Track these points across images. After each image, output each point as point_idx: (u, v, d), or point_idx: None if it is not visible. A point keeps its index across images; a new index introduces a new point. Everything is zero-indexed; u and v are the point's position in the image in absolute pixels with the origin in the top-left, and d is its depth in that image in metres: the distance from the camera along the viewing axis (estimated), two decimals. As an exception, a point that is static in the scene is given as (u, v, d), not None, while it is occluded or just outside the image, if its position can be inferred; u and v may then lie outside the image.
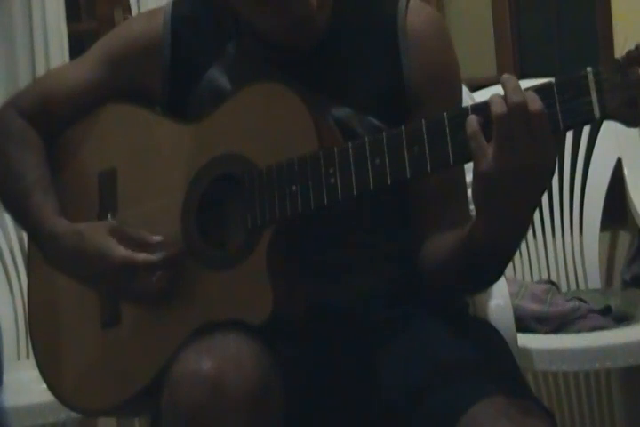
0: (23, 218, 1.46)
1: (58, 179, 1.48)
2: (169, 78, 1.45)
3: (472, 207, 1.24)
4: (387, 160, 1.18)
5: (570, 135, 2.59)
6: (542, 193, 1.17)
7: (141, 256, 1.33)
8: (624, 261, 2.69)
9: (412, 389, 1.27)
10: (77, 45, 2.95)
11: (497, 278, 1.32)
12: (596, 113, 1.06)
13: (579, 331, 2.28)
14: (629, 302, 2.40)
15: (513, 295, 2.21)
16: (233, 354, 1.17)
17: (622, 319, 2.33)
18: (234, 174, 1.32)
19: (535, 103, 1.09)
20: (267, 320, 1.22)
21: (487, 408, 1.18)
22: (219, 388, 1.14)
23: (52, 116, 1.52)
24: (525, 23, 3.22)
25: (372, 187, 1.20)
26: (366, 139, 1.21)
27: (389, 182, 1.19)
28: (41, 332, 1.51)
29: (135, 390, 1.34)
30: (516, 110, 1.09)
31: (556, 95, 1.09)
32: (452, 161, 1.15)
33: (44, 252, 1.43)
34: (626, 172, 2.58)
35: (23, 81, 2.76)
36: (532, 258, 2.64)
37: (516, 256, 2.60)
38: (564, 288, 2.59)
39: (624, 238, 2.80)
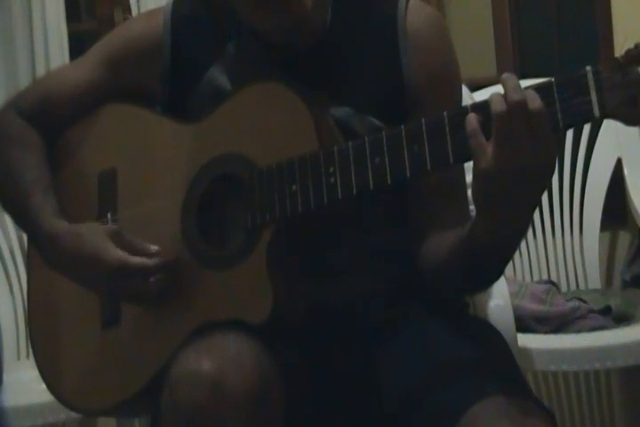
0: (22, 219, 1.46)
1: (58, 179, 1.48)
2: (169, 78, 1.45)
3: (472, 207, 1.24)
4: (386, 159, 1.18)
5: (570, 135, 2.59)
6: (542, 192, 1.17)
7: (137, 260, 1.32)
8: (624, 261, 2.69)
9: (412, 389, 1.27)
10: (77, 45, 2.95)
11: (497, 278, 1.32)
12: (596, 112, 1.06)
13: (579, 331, 2.28)
14: (629, 302, 2.40)
15: (513, 295, 2.21)
16: (233, 354, 1.17)
17: (622, 319, 2.33)
18: (234, 174, 1.32)
19: (535, 102, 1.09)
20: (266, 320, 1.22)
21: (487, 408, 1.18)
22: (219, 388, 1.14)
23: (52, 116, 1.52)
24: (525, 23, 3.22)
25: (372, 186, 1.20)
26: (366, 138, 1.21)
27: (389, 181, 1.19)
28: (40, 332, 1.51)
29: (134, 390, 1.34)
30: (516, 109, 1.09)
31: (555, 94, 1.08)
32: (451, 160, 1.15)
33: (43, 253, 1.43)
34: (626, 172, 2.58)
35: (23, 81, 2.76)
36: (532, 258, 2.64)
37: (516, 256, 2.60)
38: (564, 288, 2.59)
39: (624, 238, 2.79)
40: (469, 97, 2.13)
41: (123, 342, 1.39)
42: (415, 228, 1.39)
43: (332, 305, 1.35)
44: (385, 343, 1.35)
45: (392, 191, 1.30)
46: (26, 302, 2.51)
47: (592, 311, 2.34)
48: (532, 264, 2.64)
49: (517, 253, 2.57)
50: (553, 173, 1.14)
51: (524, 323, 2.25)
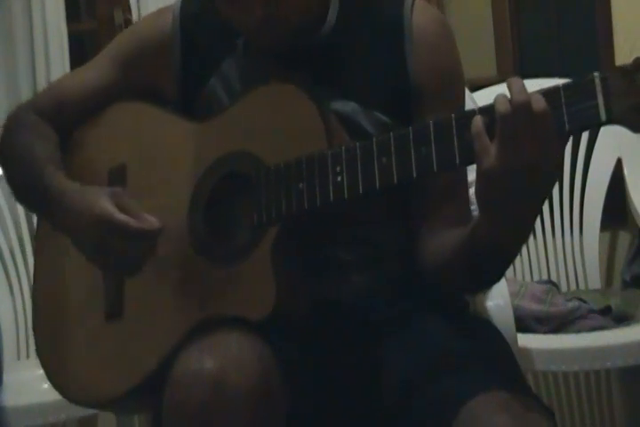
0: (34, 186, 1.45)
1: (68, 175, 1.48)
2: (180, 77, 1.46)
3: (473, 207, 1.24)
4: (393, 159, 1.20)
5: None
6: (544, 196, 1.18)
7: (122, 217, 1.31)
8: (624, 261, 2.69)
9: (412, 381, 1.28)
10: (77, 45, 2.96)
11: (498, 279, 1.33)
12: (602, 116, 1.07)
13: (579, 331, 2.28)
14: (629, 302, 2.40)
15: (513, 295, 2.21)
16: (235, 353, 1.17)
17: (622, 319, 2.33)
18: (242, 172, 1.33)
19: (539, 103, 1.10)
20: (268, 316, 1.23)
21: (488, 401, 1.18)
22: (220, 387, 1.15)
23: (66, 116, 1.54)
24: (525, 23, 3.22)
25: (378, 185, 1.21)
26: (374, 139, 1.23)
27: (396, 181, 1.20)
28: (44, 322, 1.52)
29: (135, 382, 1.34)
30: (520, 109, 1.10)
31: (562, 98, 1.10)
32: (458, 161, 1.16)
33: (53, 215, 1.42)
34: (626, 172, 2.58)
35: (23, 81, 2.77)
36: (532, 258, 2.64)
37: (516, 256, 2.60)
38: (564, 288, 2.59)
39: (624, 238, 2.80)
40: (469, 97, 2.13)
41: (125, 333, 1.39)
42: (417, 227, 1.40)
43: (334, 303, 1.36)
44: (386, 341, 1.36)
45: (397, 191, 1.31)
46: (26, 302, 2.55)
47: (592, 311, 2.34)
48: (532, 264, 2.64)
49: (517, 253, 2.56)
50: (556, 176, 1.15)
51: (524, 323, 2.25)
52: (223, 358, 1.16)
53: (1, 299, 2.55)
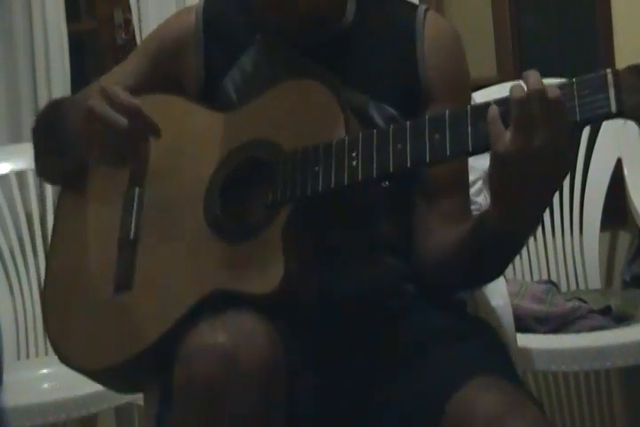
0: (59, 116, 1.51)
1: (94, 162, 1.51)
2: (202, 74, 1.51)
3: (474, 207, 1.25)
4: (408, 145, 1.24)
5: (570, 135, 2.59)
6: (555, 187, 1.21)
7: (103, 105, 1.34)
8: (624, 261, 2.69)
9: (410, 366, 1.31)
10: (77, 45, 2.95)
11: (498, 275, 1.37)
12: (613, 108, 1.11)
13: (579, 331, 2.28)
14: (629, 302, 2.40)
15: (513, 295, 2.21)
16: (247, 329, 1.19)
17: (622, 319, 2.33)
18: (262, 157, 1.36)
19: (554, 91, 1.14)
20: (275, 290, 1.24)
21: (478, 386, 1.22)
22: (233, 361, 1.16)
23: None
24: (525, 23, 3.21)
25: (391, 170, 1.24)
26: (391, 126, 1.27)
27: (409, 165, 1.23)
28: (54, 293, 1.52)
29: (133, 352, 1.34)
30: (535, 96, 1.14)
31: (575, 91, 1.14)
32: (470, 148, 1.20)
33: (72, 122, 1.45)
34: (626, 172, 2.58)
35: (23, 81, 2.77)
36: (532, 258, 2.64)
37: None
38: (563, 288, 2.59)
39: (624, 238, 2.80)
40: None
41: (132, 304, 1.40)
42: (418, 222, 1.44)
43: (339, 292, 1.38)
44: (389, 330, 1.39)
45: (404, 183, 1.37)
46: (26, 302, 2.55)
47: (592, 311, 2.34)
48: (532, 264, 2.64)
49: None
50: (568, 168, 1.20)
51: (524, 323, 2.25)
52: (236, 333, 1.18)
53: (1, 299, 2.55)
